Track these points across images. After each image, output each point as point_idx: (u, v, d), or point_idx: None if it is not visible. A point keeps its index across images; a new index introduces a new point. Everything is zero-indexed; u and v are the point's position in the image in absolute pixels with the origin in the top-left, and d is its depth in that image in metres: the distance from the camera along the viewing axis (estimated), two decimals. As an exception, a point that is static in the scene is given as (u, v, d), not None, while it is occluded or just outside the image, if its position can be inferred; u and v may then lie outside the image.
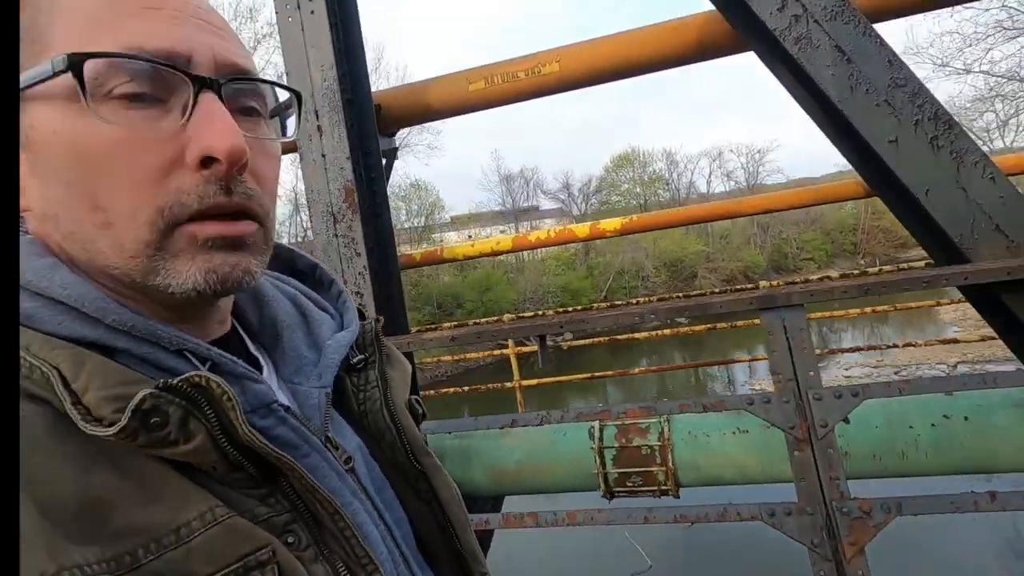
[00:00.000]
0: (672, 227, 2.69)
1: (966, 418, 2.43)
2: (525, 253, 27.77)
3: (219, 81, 0.43)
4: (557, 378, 5.01)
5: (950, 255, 1.94)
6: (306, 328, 0.56)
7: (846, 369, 14.30)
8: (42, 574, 0.33)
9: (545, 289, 27.25)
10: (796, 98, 2.12)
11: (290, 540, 0.43)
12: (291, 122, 0.51)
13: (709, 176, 37.33)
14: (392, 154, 2.73)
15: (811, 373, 1.74)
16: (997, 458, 2.41)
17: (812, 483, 1.64)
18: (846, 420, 1.76)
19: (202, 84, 0.42)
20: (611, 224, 2.58)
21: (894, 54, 1.88)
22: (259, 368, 0.52)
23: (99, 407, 0.38)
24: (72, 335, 0.41)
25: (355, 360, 0.56)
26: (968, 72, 13.62)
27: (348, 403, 0.56)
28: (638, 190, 35.56)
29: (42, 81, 0.40)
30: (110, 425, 0.37)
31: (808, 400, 1.70)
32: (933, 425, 2.44)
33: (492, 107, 2.61)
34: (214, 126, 0.41)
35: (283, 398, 0.50)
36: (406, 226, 29.13)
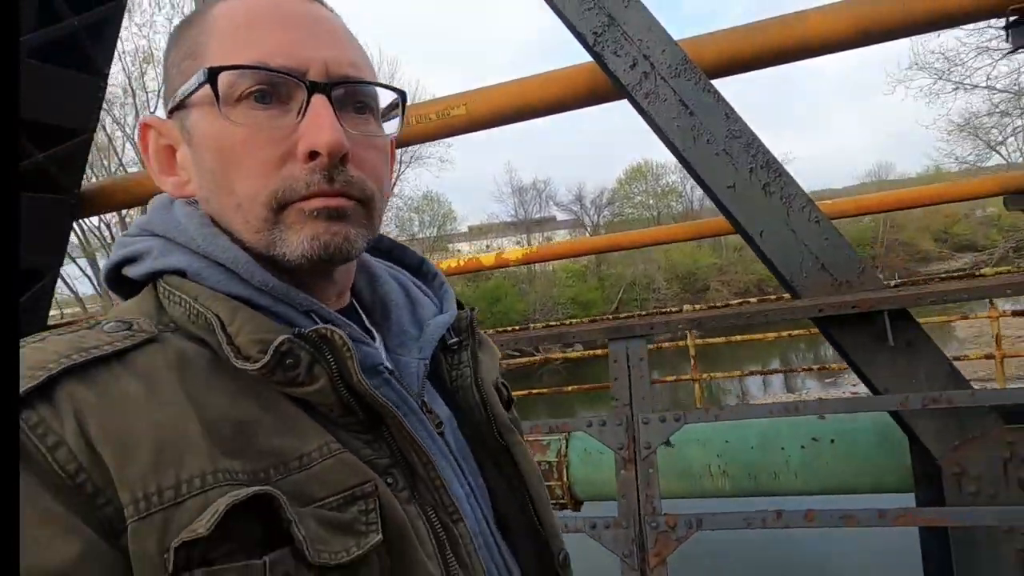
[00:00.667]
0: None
1: (832, 441, 2.57)
2: (537, 264, 27.92)
3: (329, 85, 0.50)
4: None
5: (789, 291, 2.11)
6: (411, 309, 0.62)
7: (852, 386, 14.16)
8: (203, 471, 0.41)
9: (555, 300, 27.36)
10: (663, 142, 2.31)
11: (389, 481, 0.49)
12: (396, 120, 0.58)
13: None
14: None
15: (643, 399, 1.92)
16: (859, 479, 2.55)
17: (631, 500, 1.81)
18: (668, 443, 1.93)
19: (314, 89, 0.49)
20: (514, 254, 2.78)
21: (730, 108, 2.06)
22: (372, 338, 0.59)
23: (248, 347, 0.46)
24: (228, 291, 0.49)
25: (451, 341, 0.62)
26: (975, 87, 13.46)
27: (442, 378, 0.62)
28: (651, 202, 35.64)
29: (195, 91, 0.50)
30: (255, 362, 0.45)
31: (637, 423, 1.88)
32: (802, 447, 2.58)
33: (403, 146, 2.83)
34: (320, 125, 0.48)
35: (389, 365, 0.56)
36: (419, 237, 29.56)
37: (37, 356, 0.42)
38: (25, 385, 0.39)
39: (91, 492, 0.39)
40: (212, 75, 0.48)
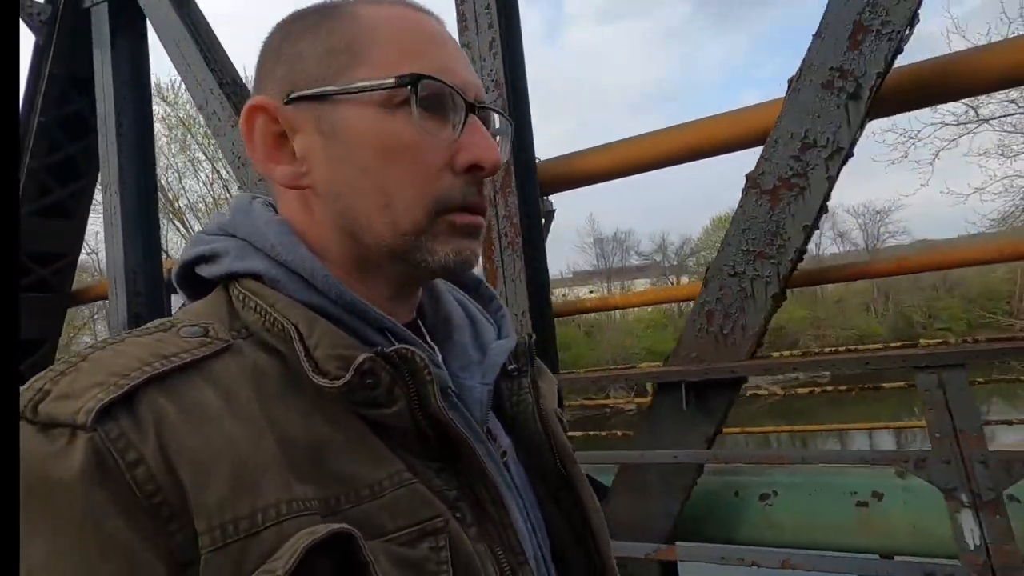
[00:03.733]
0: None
1: None
2: (607, 312, 28.28)
3: (477, 107, 0.52)
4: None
5: None
6: (473, 330, 0.60)
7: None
8: (278, 500, 0.38)
9: (629, 351, 27.49)
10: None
11: (458, 515, 0.46)
12: (505, 147, 0.59)
13: (819, 236, 35.28)
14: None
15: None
16: None
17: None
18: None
19: (471, 108, 0.51)
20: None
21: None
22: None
23: (325, 362, 0.44)
24: (305, 301, 0.48)
25: (510, 367, 0.59)
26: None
27: (502, 405, 0.59)
28: (740, 251, 34.69)
29: (370, 89, 0.49)
30: (334, 379, 0.43)
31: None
32: None
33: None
34: (483, 142, 0.51)
35: (455, 388, 0.53)
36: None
37: (117, 362, 0.40)
38: (107, 394, 0.37)
39: (166, 517, 0.36)
40: (416, 81, 0.49)
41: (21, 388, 0.39)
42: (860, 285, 34.09)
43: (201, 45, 3.34)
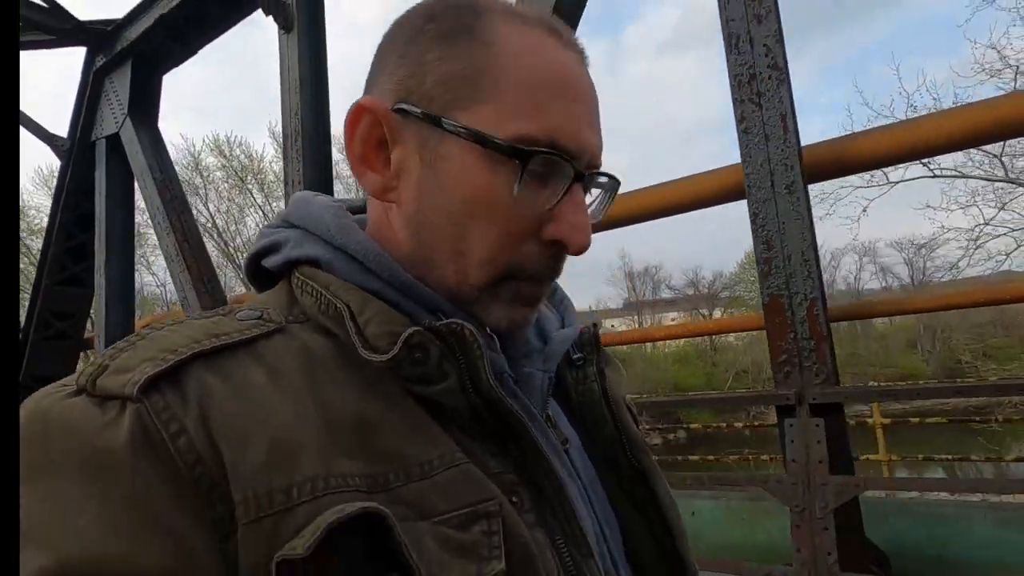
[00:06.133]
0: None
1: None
2: (638, 344, 28.78)
3: (587, 176, 0.50)
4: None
5: None
6: (535, 319, 0.58)
7: None
8: (316, 474, 0.38)
9: (653, 384, 27.80)
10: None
11: (514, 500, 0.45)
12: (602, 206, 0.56)
13: (858, 271, 34.54)
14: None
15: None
16: None
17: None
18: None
19: (578, 178, 0.48)
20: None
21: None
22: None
23: (376, 339, 0.45)
24: (359, 282, 0.48)
25: (575, 356, 0.59)
26: None
27: (567, 394, 0.58)
28: (775, 286, 34.44)
29: (479, 141, 0.46)
30: (383, 353, 0.44)
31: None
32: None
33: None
34: (577, 221, 0.48)
35: (512, 374, 0.52)
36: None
37: (170, 339, 0.41)
38: (154, 368, 0.38)
39: (206, 487, 0.37)
40: (526, 156, 0.46)
41: (85, 365, 0.40)
42: (905, 322, 33.10)
43: (155, 173, 4.85)
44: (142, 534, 0.35)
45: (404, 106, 0.49)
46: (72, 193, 5.64)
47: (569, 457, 0.53)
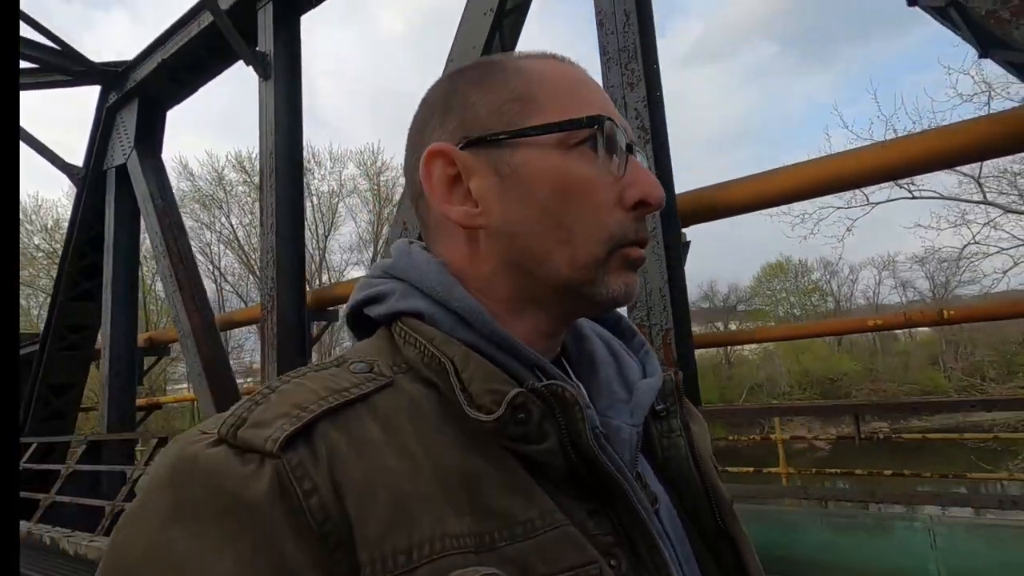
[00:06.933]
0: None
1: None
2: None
3: (633, 147, 0.54)
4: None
5: None
6: (617, 367, 0.58)
7: None
8: (433, 535, 0.39)
9: (665, 396, 27.64)
10: None
11: (612, 563, 0.44)
12: None
13: (878, 285, 34.05)
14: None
15: None
16: None
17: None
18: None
19: (631, 148, 0.54)
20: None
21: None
22: None
23: (480, 396, 0.45)
24: (461, 337, 0.49)
25: (659, 407, 0.57)
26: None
27: (652, 448, 0.57)
28: (792, 299, 34.15)
29: (552, 131, 0.51)
30: (489, 413, 0.44)
31: None
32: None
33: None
34: (648, 179, 0.52)
35: (603, 429, 0.51)
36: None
37: (298, 395, 0.43)
38: (291, 425, 0.40)
39: (332, 545, 0.38)
40: (602, 121, 0.51)
41: (225, 415, 0.43)
42: (928, 336, 32.49)
43: (156, 201, 5.37)
44: None
45: (469, 139, 0.53)
46: (86, 217, 6.21)
47: (658, 516, 0.52)
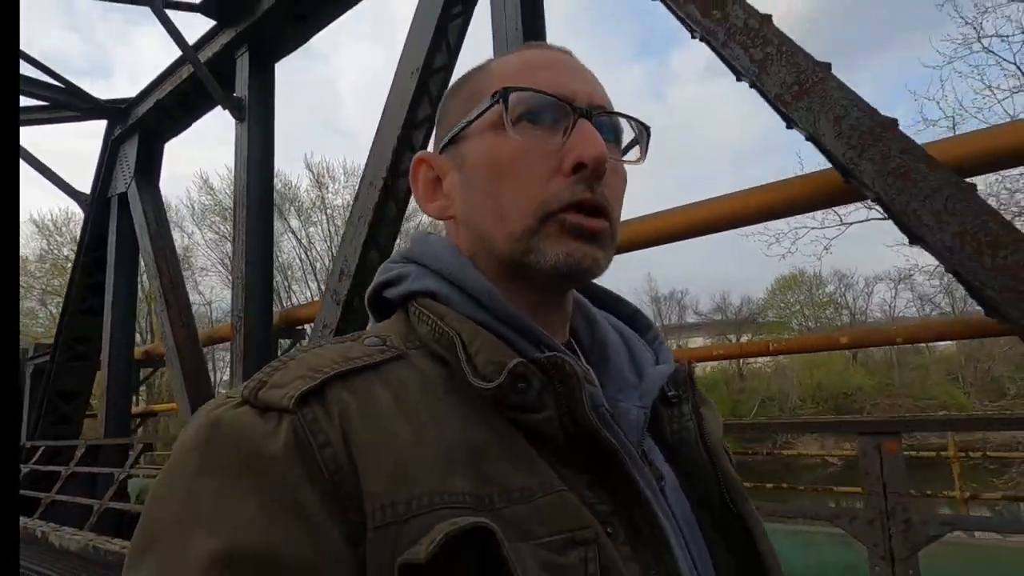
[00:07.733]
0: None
1: None
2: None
3: (591, 112, 0.54)
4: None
5: None
6: (629, 355, 0.60)
7: None
8: (431, 490, 0.41)
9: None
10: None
11: (609, 530, 0.45)
12: (635, 150, 0.60)
13: (893, 299, 33.55)
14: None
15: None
16: None
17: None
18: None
19: (580, 114, 0.53)
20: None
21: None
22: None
23: (484, 367, 0.47)
24: (471, 315, 0.52)
25: (670, 394, 0.59)
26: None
27: (662, 431, 0.58)
28: (806, 312, 33.83)
29: (480, 115, 0.54)
30: (490, 382, 0.46)
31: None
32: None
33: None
34: (587, 140, 0.52)
35: (609, 408, 0.53)
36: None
37: (315, 361, 0.46)
38: (305, 385, 0.43)
39: (344, 495, 0.41)
40: (505, 93, 0.53)
41: (248, 380, 0.46)
42: (946, 351, 31.94)
43: (151, 227, 5.91)
44: (295, 528, 0.39)
45: (442, 144, 0.60)
46: (92, 239, 6.80)
47: (664, 494, 0.52)
